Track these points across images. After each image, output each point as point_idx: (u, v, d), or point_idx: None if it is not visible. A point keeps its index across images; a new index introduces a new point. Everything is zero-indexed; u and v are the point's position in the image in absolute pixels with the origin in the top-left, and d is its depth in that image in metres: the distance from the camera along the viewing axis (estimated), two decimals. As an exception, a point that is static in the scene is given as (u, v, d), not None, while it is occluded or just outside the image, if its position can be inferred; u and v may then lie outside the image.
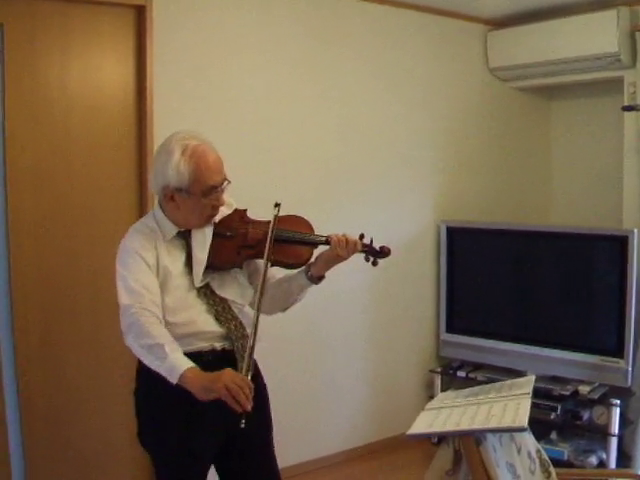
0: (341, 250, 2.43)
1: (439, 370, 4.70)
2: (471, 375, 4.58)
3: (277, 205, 2.40)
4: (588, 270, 4.24)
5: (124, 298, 2.23)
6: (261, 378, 2.55)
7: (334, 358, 4.32)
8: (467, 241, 4.70)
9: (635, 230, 3.91)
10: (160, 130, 3.50)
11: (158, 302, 2.27)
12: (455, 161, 4.85)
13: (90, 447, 3.41)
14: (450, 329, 4.71)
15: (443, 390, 4.41)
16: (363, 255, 2.53)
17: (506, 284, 4.60)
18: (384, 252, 2.56)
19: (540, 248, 4.47)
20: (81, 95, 3.32)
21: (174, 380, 2.09)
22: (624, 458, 4.02)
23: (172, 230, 2.37)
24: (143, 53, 3.45)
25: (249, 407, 2.07)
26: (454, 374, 4.66)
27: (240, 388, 2.07)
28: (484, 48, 4.92)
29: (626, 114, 4.40)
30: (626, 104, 4.36)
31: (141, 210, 3.50)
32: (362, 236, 2.52)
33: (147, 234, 2.35)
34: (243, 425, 2.06)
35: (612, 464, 3.94)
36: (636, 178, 4.40)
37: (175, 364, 2.10)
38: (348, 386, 4.43)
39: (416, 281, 4.70)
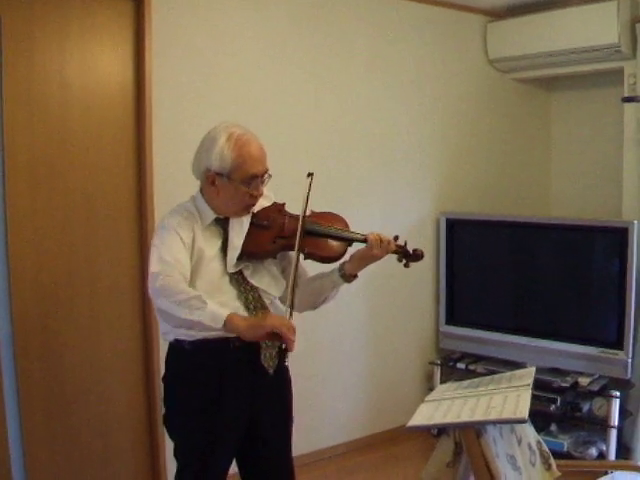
0: (377, 249, 2.49)
1: (439, 362, 4.70)
2: (471, 367, 4.58)
3: (310, 175, 2.48)
4: (588, 262, 4.23)
5: (154, 266, 2.27)
6: (287, 375, 2.61)
7: (334, 350, 4.32)
8: (467, 233, 4.70)
9: (635, 221, 3.90)
10: (158, 122, 3.50)
11: (187, 276, 2.31)
12: (454, 153, 4.84)
13: (90, 435, 3.41)
14: (450, 321, 4.71)
15: (442, 382, 4.41)
16: (396, 256, 2.60)
17: (506, 276, 4.60)
18: (417, 255, 2.62)
19: (540, 240, 4.46)
20: (79, 87, 3.30)
21: (219, 324, 2.16)
22: (624, 450, 4.03)
23: (210, 216, 2.43)
24: (141, 45, 3.43)
25: (294, 347, 2.16)
26: (454, 366, 4.66)
27: (287, 328, 2.16)
28: (483, 39, 4.91)
29: (626, 105, 4.39)
30: (626, 95, 4.36)
31: (139, 201, 3.50)
32: (397, 237, 2.59)
33: (186, 216, 2.41)
34: (287, 363, 2.23)
35: (612, 456, 3.95)
36: (636, 169, 4.39)
37: (216, 311, 2.18)
38: (348, 378, 4.43)
39: (416, 273, 4.69)
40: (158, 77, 3.49)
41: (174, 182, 3.46)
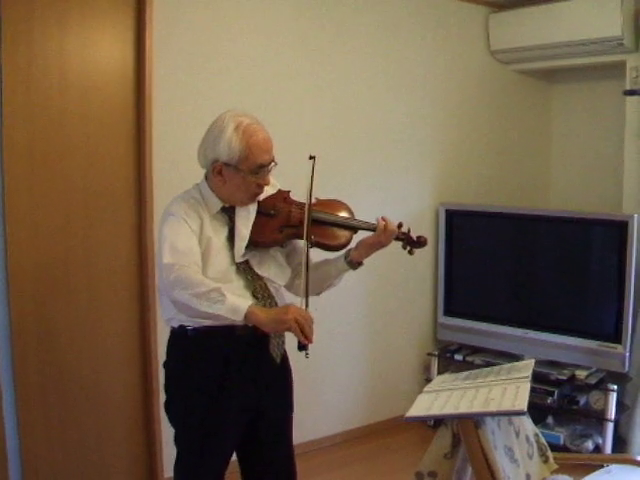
0: (384, 236, 2.50)
1: (436, 353, 4.70)
2: (468, 359, 4.59)
3: (312, 157, 2.47)
4: (587, 255, 4.23)
5: (167, 257, 2.24)
6: (288, 364, 2.64)
7: (332, 340, 4.31)
8: (466, 224, 4.69)
9: (635, 215, 3.90)
10: (159, 109, 3.48)
11: (200, 265, 2.30)
12: (455, 144, 4.83)
13: (87, 422, 3.41)
14: (448, 312, 4.70)
15: (440, 373, 4.40)
16: (400, 243, 2.59)
17: (505, 268, 4.60)
18: (420, 242, 2.60)
19: (539, 232, 4.46)
20: (79, 74, 3.28)
21: (240, 317, 2.16)
22: (620, 443, 4.04)
23: (217, 205, 2.41)
24: (142, 31, 3.41)
25: (313, 339, 2.25)
26: (451, 357, 4.66)
27: (306, 321, 2.22)
28: (485, 30, 4.88)
29: (628, 98, 4.39)
30: (628, 88, 4.35)
31: (139, 188, 3.49)
32: (400, 225, 2.57)
33: (192, 204, 2.39)
34: (308, 356, 2.27)
35: (608, 449, 3.95)
36: (636, 163, 4.39)
37: (237, 303, 2.17)
38: (345, 368, 4.43)
39: (414, 264, 4.67)
40: (159, 64, 3.47)
41: (174, 169, 3.45)
